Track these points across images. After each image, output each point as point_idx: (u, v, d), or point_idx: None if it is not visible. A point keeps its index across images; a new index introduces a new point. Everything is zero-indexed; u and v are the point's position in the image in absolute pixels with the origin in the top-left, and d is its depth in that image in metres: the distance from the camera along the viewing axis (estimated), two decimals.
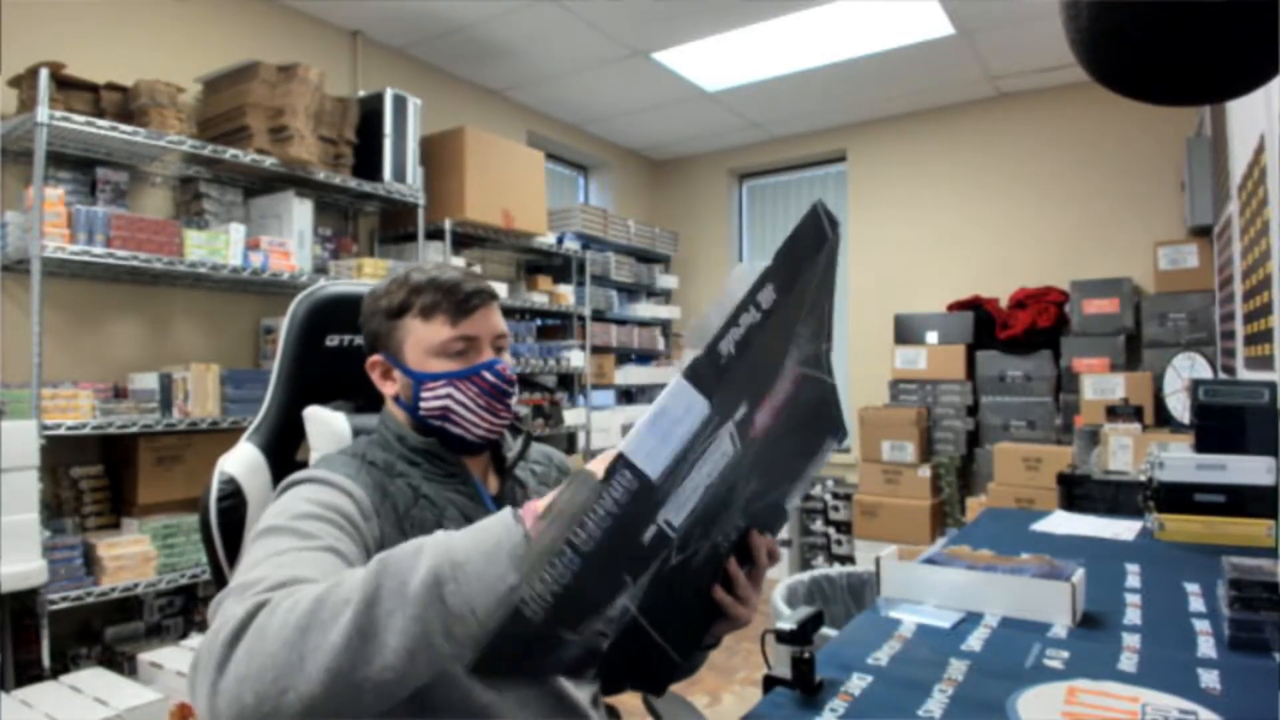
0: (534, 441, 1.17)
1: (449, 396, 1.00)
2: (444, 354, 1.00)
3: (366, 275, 3.08)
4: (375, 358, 1.04)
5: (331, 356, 1.12)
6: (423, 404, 1.00)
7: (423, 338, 1.00)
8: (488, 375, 1.01)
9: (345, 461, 0.98)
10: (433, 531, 0.87)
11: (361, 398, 1.14)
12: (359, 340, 1.12)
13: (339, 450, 1.04)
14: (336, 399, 1.14)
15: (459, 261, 3.73)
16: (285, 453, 1.08)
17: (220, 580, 1.03)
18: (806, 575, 2.12)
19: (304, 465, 1.07)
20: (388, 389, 1.04)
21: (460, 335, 1.00)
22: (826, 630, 1.43)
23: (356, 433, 1.10)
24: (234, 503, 1.02)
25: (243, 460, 1.05)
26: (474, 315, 1.02)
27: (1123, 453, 2.65)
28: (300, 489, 0.90)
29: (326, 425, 1.07)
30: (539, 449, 1.22)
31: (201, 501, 1.02)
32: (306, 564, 0.75)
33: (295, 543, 0.79)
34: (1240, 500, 1.67)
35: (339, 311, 1.13)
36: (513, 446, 1.12)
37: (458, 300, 1.00)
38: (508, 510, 0.66)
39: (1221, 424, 1.92)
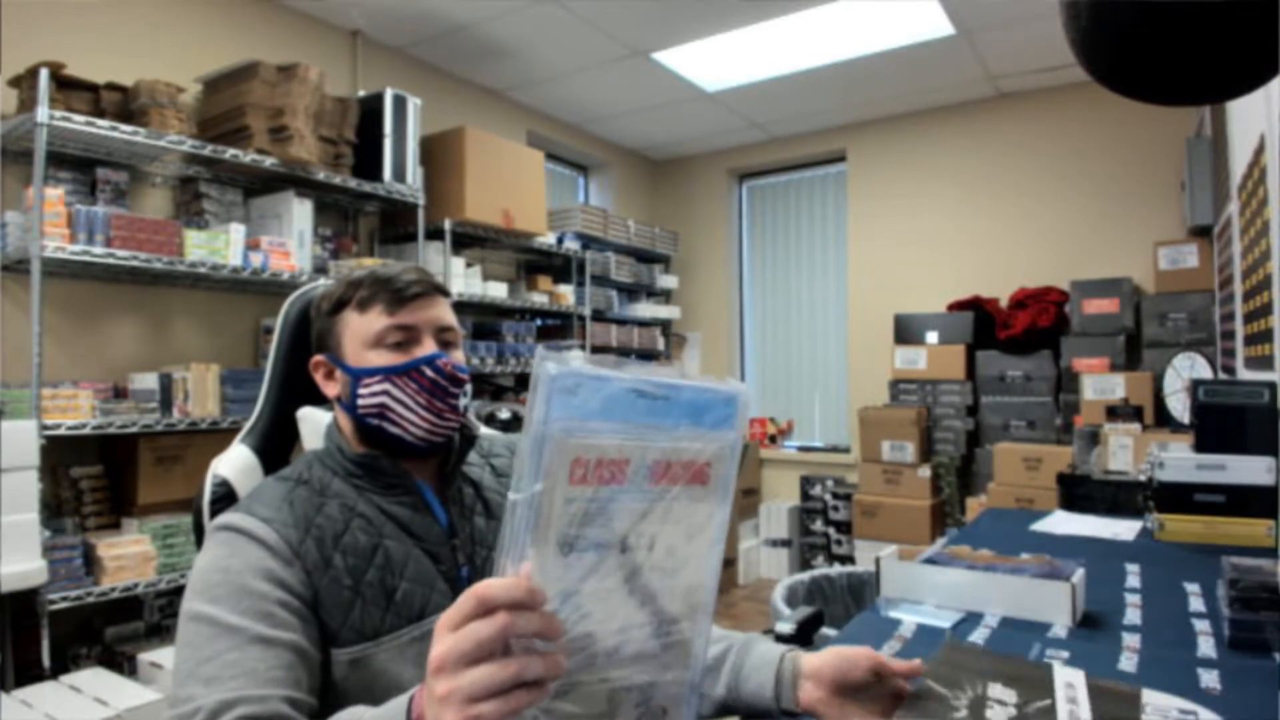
0: (502, 431, 1.13)
1: (385, 393, 0.94)
2: (380, 345, 0.95)
3: None
4: (317, 358, 1.01)
5: None
6: (360, 402, 0.95)
7: (358, 329, 0.96)
8: (427, 370, 0.95)
9: (272, 492, 0.94)
10: (369, 554, 0.90)
11: None
12: None
13: (276, 475, 0.99)
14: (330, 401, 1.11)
15: (459, 261, 3.73)
16: (279, 454, 1.07)
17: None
18: (806, 575, 2.12)
19: None
20: (330, 390, 1.00)
21: (397, 324, 0.95)
22: (826, 630, 1.44)
23: None
24: (226, 505, 0.99)
25: (236, 462, 1.04)
26: (412, 304, 0.96)
27: (1123, 453, 2.65)
28: (216, 548, 0.87)
29: (320, 425, 1.04)
30: (502, 439, 1.16)
31: (195, 503, 1.02)
32: (236, 670, 0.76)
33: (221, 643, 0.78)
34: (1240, 500, 1.67)
35: None
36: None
37: (395, 289, 0.96)
38: (403, 699, 0.63)
39: (1221, 424, 1.92)
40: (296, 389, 1.09)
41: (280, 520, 0.89)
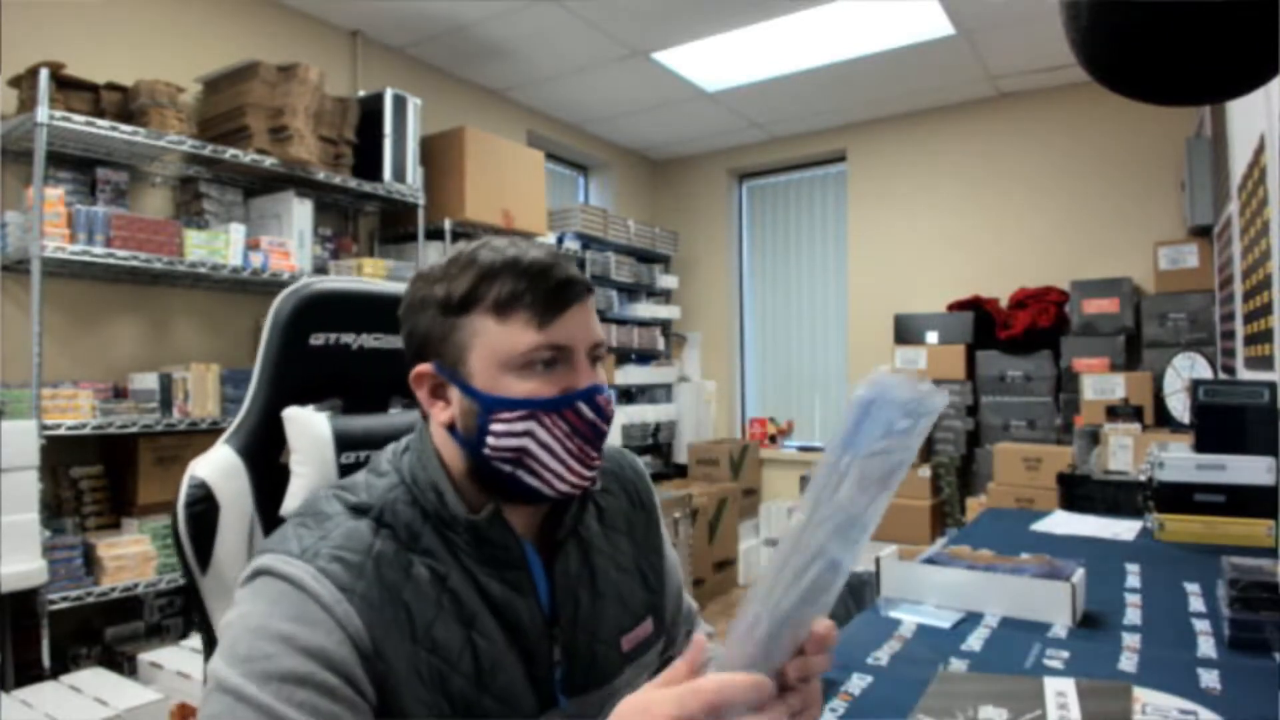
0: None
1: (528, 435, 0.73)
2: (525, 368, 0.73)
3: (366, 275, 3.08)
4: (424, 368, 0.77)
5: (316, 356, 1.03)
6: (491, 441, 0.73)
7: (497, 343, 0.73)
8: (585, 410, 0.74)
9: (348, 534, 0.72)
10: (457, 655, 0.70)
11: (349, 398, 1.04)
12: (345, 339, 1.01)
13: (336, 492, 0.77)
14: (322, 399, 1.03)
15: None
16: (266, 457, 1.00)
17: (193, 586, 0.89)
18: None
19: (286, 469, 0.95)
20: (439, 413, 0.77)
21: (550, 343, 0.73)
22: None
23: (340, 438, 0.95)
24: (205, 508, 0.89)
25: (217, 463, 0.96)
26: (569, 313, 0.74)
27: (1123, 453, 2.65)
28: (269, 605, 0.67)
29: (307, 428, 0.95)
30: (606, 457, 0.90)
31: (172, 507, 0.95)
32: None
33: None
34: (1240, 500, 1.68)
35: (325, 309, 1.04)
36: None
37: (549, 290, 0.73)
38: None
39: (1221, 424, 1.92)
40: (286, 389, 1.02)
41: (362, 593, 0.68)
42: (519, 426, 0.72)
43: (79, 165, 2.64)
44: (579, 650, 0.79)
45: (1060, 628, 1.17)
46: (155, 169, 2.89)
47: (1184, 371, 3.43)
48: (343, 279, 1.11)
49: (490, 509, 0.75)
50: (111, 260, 2.45)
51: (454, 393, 0.76)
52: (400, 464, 0.79)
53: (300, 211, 3.04)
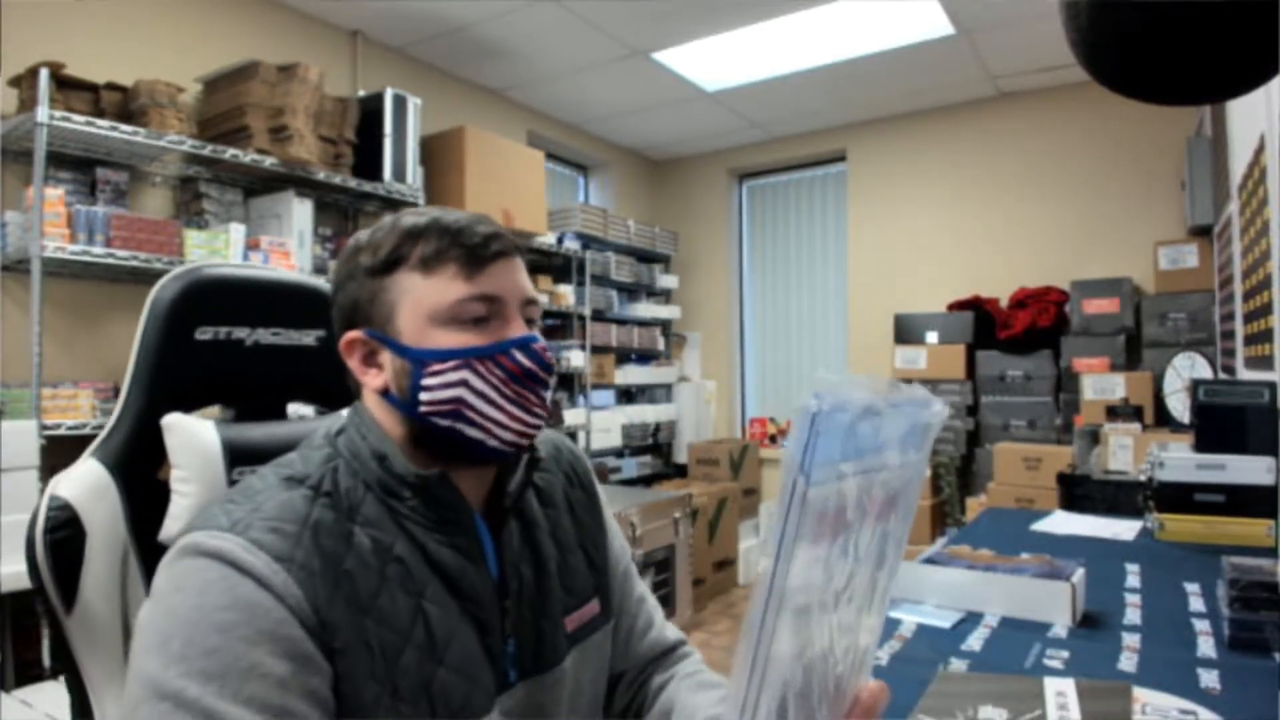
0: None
1: (464, 384, 0.70)
2: (455, 321, 0.71)
3: None
4: (354, 334, 0.75)
5: (202, 353, 0.90)
6: (425, 395, 0.71)
7: (424, 298, 0.71)
8: (519, 356, 0.72)
9: (283, 504, 0.67)
10: (408, 626, 0.67)
11: (242, 403, 0.93)
12: (238, 334, 0.90)
13: (274, 467, 0.72)
14: (208, 404, 0.92)
15: None
16: (141, 471, 0.86)
17: (55, 626, 0.78)
18: None
19: (166, 487, 0.83)
20: (372, 380, 0.74)
21: (479, 294, 0.72)
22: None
23: (230, 449, 0.85)
24: (69, 534, 0.78)
25: (83, 481, 0.82)
26: (495, 267, 0.73)
27: (1123, 453, 2.65)
28: (204, 589, 0.61)
29: (191, 439, 0.83)
30: (543, 441, 0.90)
31: (26, 533, 0.80)
32: None
33: None
34: (1240, 500, 1.67)
35: (214, 299, 0.91)
36: (515, 470, 0.80)
37: (473, 245, 0.72)
38: None
39: (1221, 424, 1.92)
40: (166, 392, 0.88)
41: (301, 562, 0.64)
42: (453, 377, 0.70)
43: (79, 165, 2.64)
44: (525, 627, 0.76)
45: (1060, 628, 1.16)
46: (155, 169, 2.89)
47: (1184, 371, 3.43)
48: (235, 264, 0.95)
49: (438, 470, 0.72)
50: (111, 260, 2.45)
51: (385, 356, 0.74)
52: (336, 442, 0.75)
53: (300, 211, 3.04)
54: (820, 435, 0.41)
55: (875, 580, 0.54)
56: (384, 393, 0.74)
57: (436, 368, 0.71)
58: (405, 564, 0.69)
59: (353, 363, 0.76)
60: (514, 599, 0.76)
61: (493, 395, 0.71)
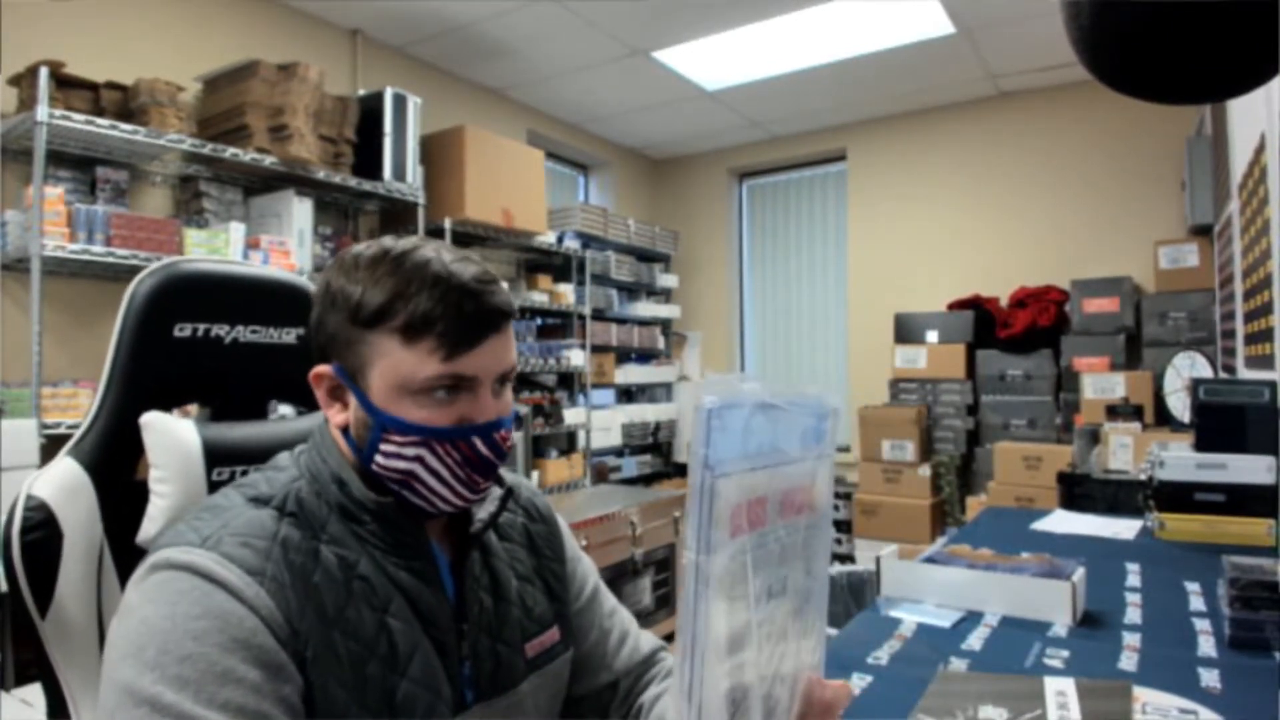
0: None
1: (418, 460, 0.71)
2: (424, 393, 0.70)
3: None
4: (324, 369, 0.74)
5: (181, 350, 0.87)
6: (380, 459, 0.72)
7: (399, 366, 0.70)
8: (479, 444, 0.72)
9: (250, 522, 0.68)
10: (372, 639, 0.69)
11: (220, 401, 0.91)
12: (218, 330, 0.88)
13: (237, 488, 0.73)
14: (187, 402, 0.90)
15: None
16: (118, 470, 0.84)
17: (29, 627, 0.79)
18: None
19: (143, 487, 0.81)
20: (335, 415, 0.75)
21: (452, 373, 0.70)
22: (827, 629, 1.44)
23: (210, 449, 0.83)
24: (44, 535, 0.77)
25: (59, 480, 0.80)
26: (481, 346, 0.71)
27: (1123, 452, 2.65)
28: (177, 599, 0.62)
29: (169, 438, 0.82)
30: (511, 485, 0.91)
31: (1, 534, 0.78)
32: None
33: None
34: (1240, 499, 1.68)
35: (193, 294, 0.88)
36: (481, 507, 0.81)
37: (464, 320, 0.70)
38: None
39: (1221, 423, 1.92)
40: (144, 390, 0.87)
41: (272, 574, 0.66)
42: (410, 451, 0.71)
43: (79, 164, 2.64)
44: (482, 651, 0.78)
45: (1060, 627, 1.17)
46: (155, 168, 2.89)
47: (1184, 370, 3.43)
48: (215, 259, 0.94)
49: (393, 498, 0.74)
50: (111, 259, 2.45)
51: (353, 404, 0.74)
52: (299, 461, 0.77)
53: (300, 210, 3.04)
54: (716, 431, 0.44)
55: (809, 589, 0.57)
56: (344, 430, 0.75)
57: (396, 438, 0.71)
58: (369, 581, 0.71)
59: (319, 393, 0.76)
60: (472, 623, 0.78)
61: (444, 474, 0.72)
